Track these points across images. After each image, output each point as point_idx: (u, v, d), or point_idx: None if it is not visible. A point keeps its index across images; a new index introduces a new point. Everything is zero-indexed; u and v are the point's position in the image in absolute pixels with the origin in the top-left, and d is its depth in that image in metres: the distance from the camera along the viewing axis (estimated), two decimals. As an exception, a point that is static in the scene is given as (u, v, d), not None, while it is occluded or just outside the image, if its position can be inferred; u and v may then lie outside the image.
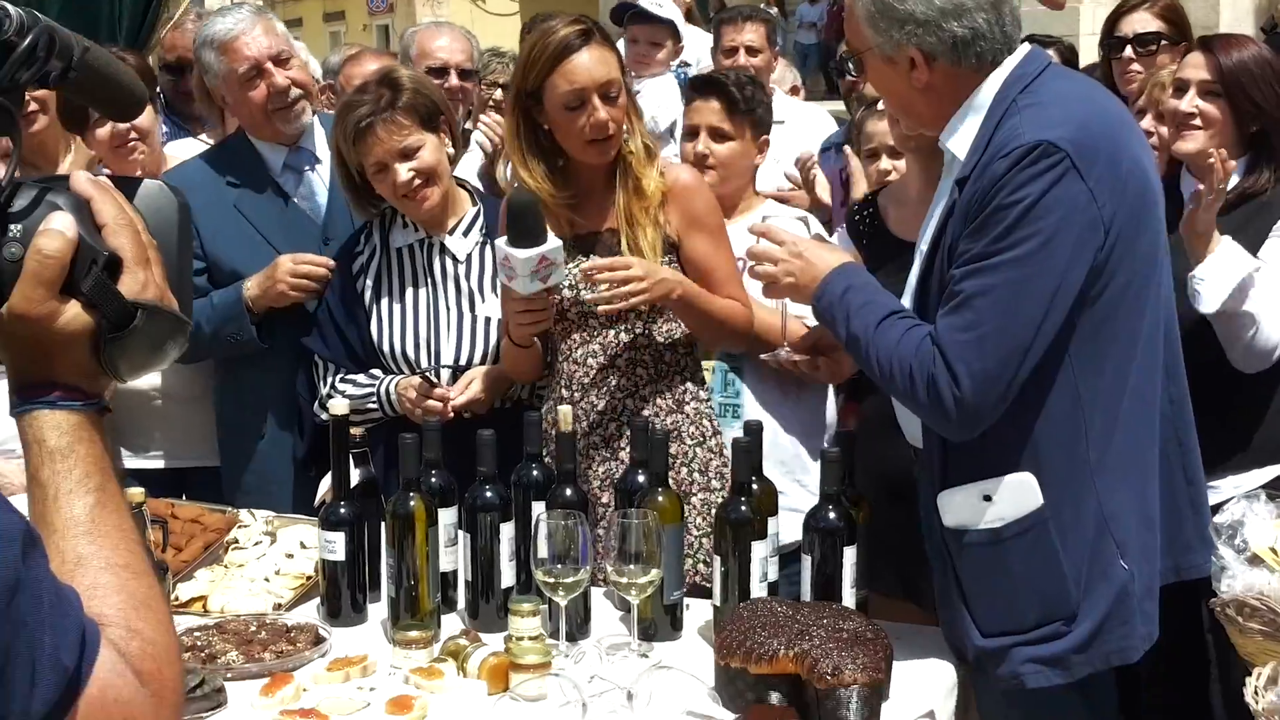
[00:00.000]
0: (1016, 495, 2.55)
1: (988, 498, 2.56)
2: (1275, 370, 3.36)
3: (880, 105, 4.11)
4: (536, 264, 3.06)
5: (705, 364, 3.60)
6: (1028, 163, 2.42)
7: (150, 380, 4.09)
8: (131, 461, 4.12)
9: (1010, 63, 2.60)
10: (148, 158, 4.11)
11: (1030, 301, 2.44)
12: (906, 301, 2.73)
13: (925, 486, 2.71)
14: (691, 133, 3.83)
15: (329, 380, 3.65)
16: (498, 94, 4.84)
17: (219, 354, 3.96)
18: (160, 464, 4.16)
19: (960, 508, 2.60)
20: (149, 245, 1.43)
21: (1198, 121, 3.45)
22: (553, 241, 3.09)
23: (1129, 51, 4.54)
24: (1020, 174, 2.42)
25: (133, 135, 4.03)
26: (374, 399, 3.56)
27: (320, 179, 4.03)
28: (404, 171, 3.47)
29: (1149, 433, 2.65)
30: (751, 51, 5.65)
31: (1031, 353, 2.46)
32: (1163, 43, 4.48)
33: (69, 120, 4.09)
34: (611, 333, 3.32)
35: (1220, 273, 3.22)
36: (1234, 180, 3.45)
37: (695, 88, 3.97)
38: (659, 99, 6.38)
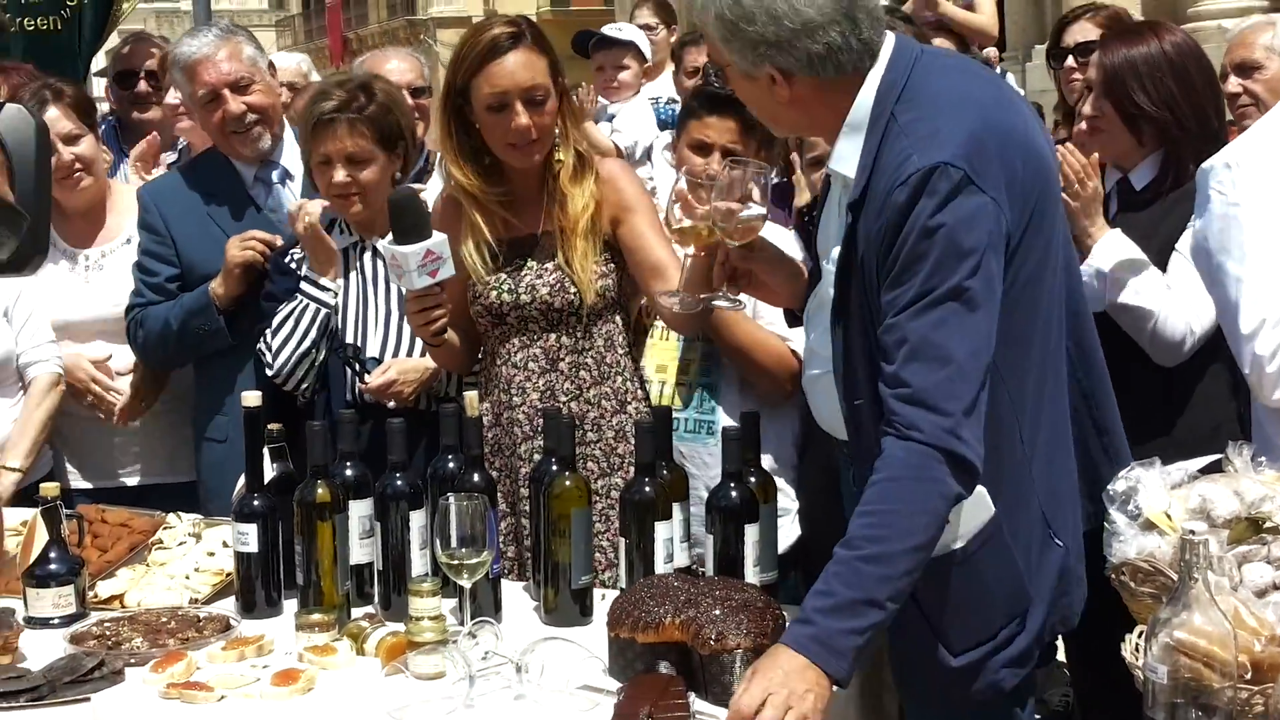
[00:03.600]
0: (972, 510, 2.51)
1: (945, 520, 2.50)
2: (1196, 362, 3.34)
3: None
4: (422, 258, 3.02)
5: (681, 383, 3.62)
6: (929, 191, 2.39)
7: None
8: (97, 483, 4.21)
9: (877, 72, 2.54)
10: (93, 185, 4.22)
11: (982, 320, 2.42)
12: (824, 319, 2.69)
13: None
14: (701, 149, 3.69)
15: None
16: None
17: (190, 352, 4.06)
18: (126, 482, 4.25)
19: None
20: None
21: (1100, 123, 3.45)
22: (438, 236, 3.06)
23: (1070, 61, 4.59)
24: (927, 203, 2.39)
25: (77, 166, 4.14)
26: (298, 300, 3.62)
27: (291, 193, 4.12)
28: (341, 174, 3.56)
29: (1063, 403, 2.66)
30: None
31: (990, 367, 2.44)
32: None
33: None
34: (553, 336, 3.30)
35: (1097, 263, 3.24)
36: (1148, 177, 3.46)
37: (708, 103, 3.80)
38: (631, 123, 6.44)
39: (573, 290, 3.26)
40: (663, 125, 6.53)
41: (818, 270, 2.83)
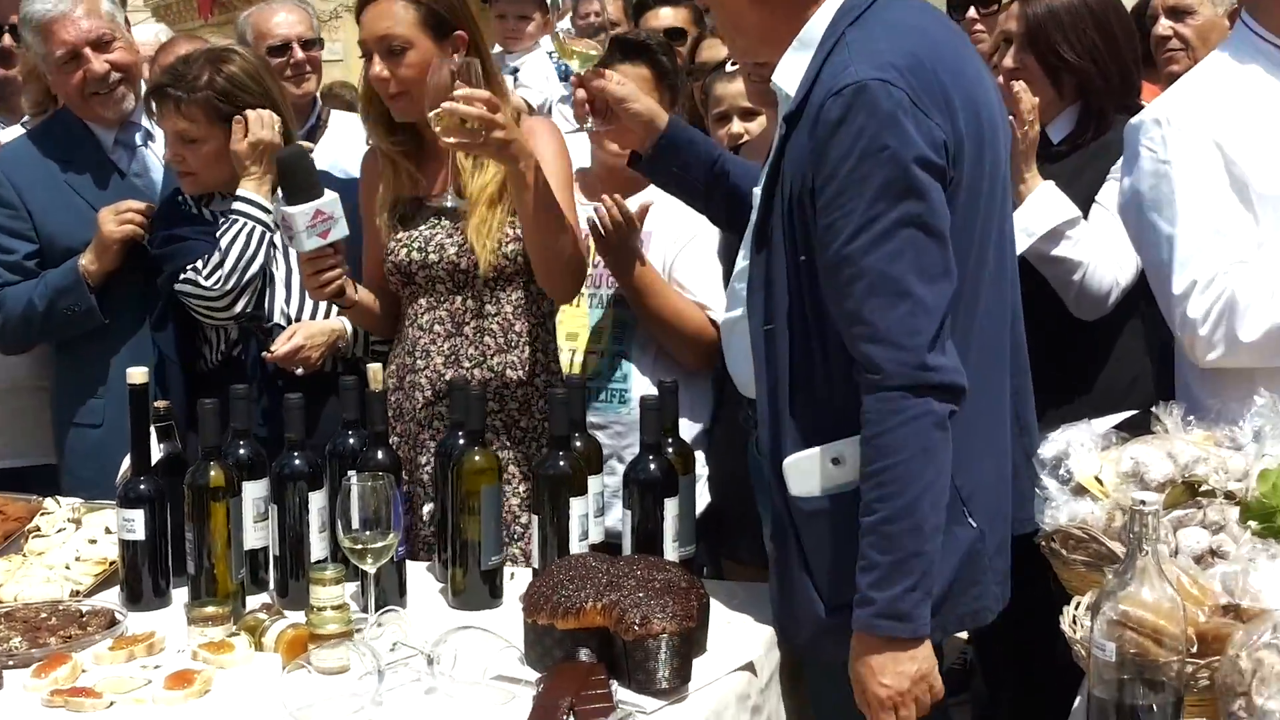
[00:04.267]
0: None
1: (836, 461, 2.39)
2: (1115, 316, 3.29)
3: (727, 67, 4.01)
4: (311, 218, 2.95)
5: (593, 351, 3.53)
6: (868, 107, 2.26)
7: None
8: None
9: None
10: None
11: (937, 247, 2.30)
12: (744, 249, 2.61)
13: (767, 448, 2.52)
14: None
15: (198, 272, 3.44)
16: None
17: (57, 333, 3.79)
18: None
19: (806, 474, 2.42)
20: None
21: (1021, 75, 3.37)
22: (328, 195, 2.98)
23: (971, 12, 4.50)
24: (868, 121, 2.26)
25: None
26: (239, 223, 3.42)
27: (154, 154, 3.89)
28: (172, 150, 3.47)
29: (1000, 381, 2.53)
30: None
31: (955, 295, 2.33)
32: (1005, 0, 4.44)
33: None
34: (459, 299, 3.15)
35: (1030, 218, 3.16)
36: (1065, 130, 3.39)
37: (622, 50, 3.69)
38: (536, 78, 6.26)
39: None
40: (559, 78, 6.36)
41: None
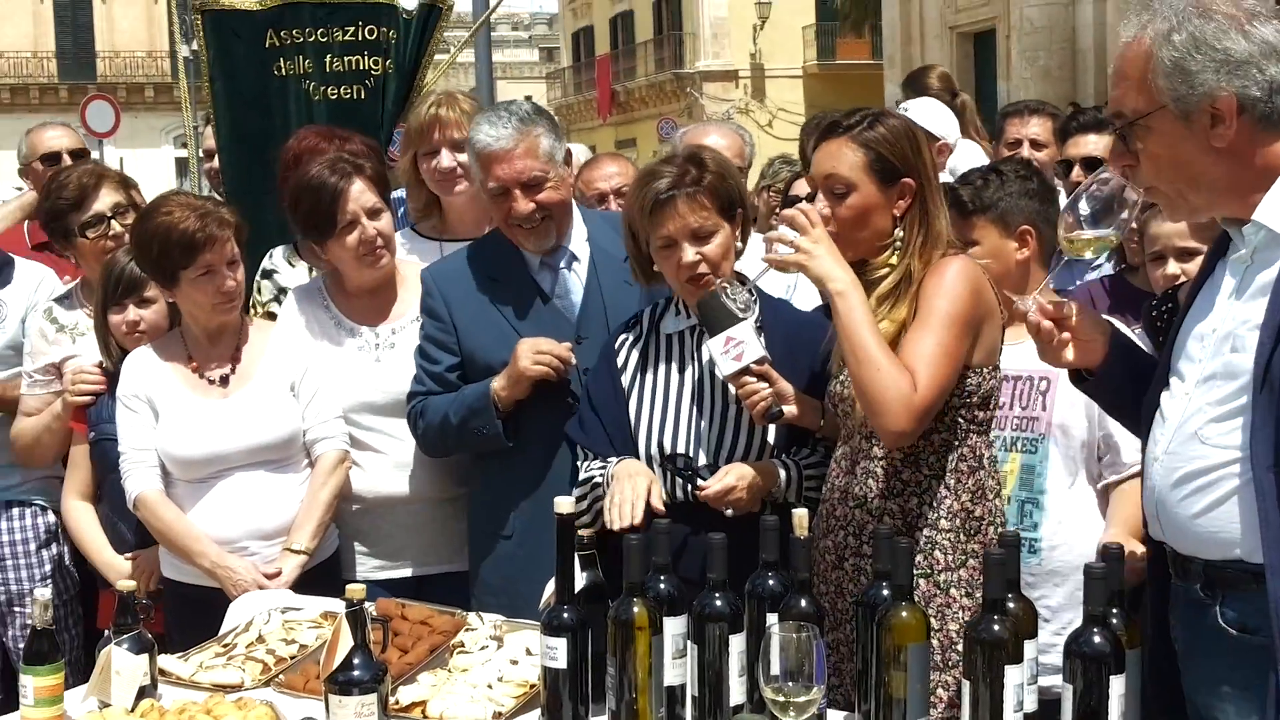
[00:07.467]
0: None
1: None
2: None
3: None
4: (724, 345, 3.21)
5: (1004, 493, 3.36)
6: None
7: (399, 487, 4.09)
8: (379, 573, 4.10)
9: None
10: (389, 262, 4.14)
11: None
12: (1236, 392, 2.44)
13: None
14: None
15: (584, 468, 3.52)
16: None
17: (467, 448, 3.94)
18: (408, 572, 4.12)
19: None
20: None
21: None
22: (740, 323, 3.21)
23: None
24: None
25: (379, 242, 4.07)
26: (604, 480, 3.43)
27: (577, 277, 3.96)
28: (690, 253, 3.36)
29: None
30: (1036, 145, 5.35)
31: None
32: None
33: (310, 228, 4.14)
34: (859, 436, 3.15)
35: None
36: None
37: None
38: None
39: None
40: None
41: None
